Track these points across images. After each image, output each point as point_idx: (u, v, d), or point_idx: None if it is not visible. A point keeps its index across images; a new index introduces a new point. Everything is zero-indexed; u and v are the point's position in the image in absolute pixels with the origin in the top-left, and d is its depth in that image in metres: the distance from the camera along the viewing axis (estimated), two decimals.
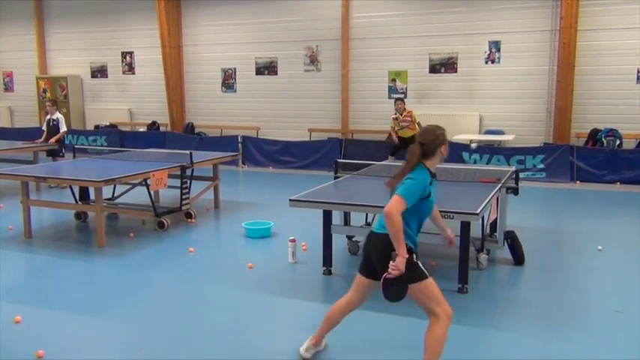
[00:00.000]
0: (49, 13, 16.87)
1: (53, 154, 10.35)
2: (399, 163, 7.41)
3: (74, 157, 8.74)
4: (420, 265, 3.46)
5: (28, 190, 7.09)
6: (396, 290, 3.35)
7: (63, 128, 10.36)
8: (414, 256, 3.45)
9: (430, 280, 3.46)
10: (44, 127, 10.58)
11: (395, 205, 3.31)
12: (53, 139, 10.24)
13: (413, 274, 3.41)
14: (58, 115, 10.43)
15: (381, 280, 3.32)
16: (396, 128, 11.16)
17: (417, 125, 10.98)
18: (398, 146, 11.14)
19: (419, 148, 3.51)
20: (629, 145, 11.39)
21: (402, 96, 13.06)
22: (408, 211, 3.39)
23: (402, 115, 11.07)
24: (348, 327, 4.38)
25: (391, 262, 3.30)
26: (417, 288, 3.41)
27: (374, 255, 3.53)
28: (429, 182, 3.48)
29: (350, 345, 4.08)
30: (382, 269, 3.36)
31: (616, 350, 3.99)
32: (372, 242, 3.55)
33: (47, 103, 10.96)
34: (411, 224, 3.49)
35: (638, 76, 11.39)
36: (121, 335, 4.27)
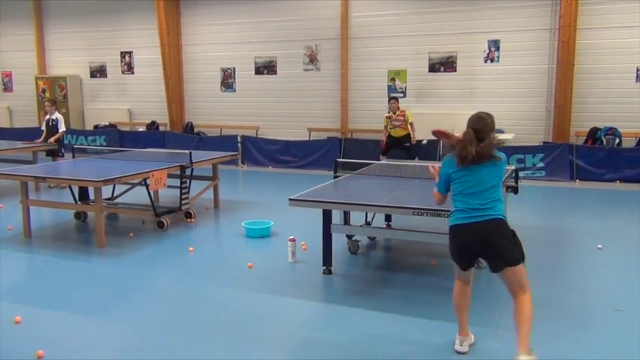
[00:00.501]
0: (48, 12, 16.86)
1: (52, 153, 10.34)
2: (401, 162, 7.42)
3: (73, 157, 8.74)
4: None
5: (27, 190, 7.09)
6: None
7: (62, 128, 10.35)
8: None
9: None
10: (43, 127, 10.57)
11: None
12: (52, 139, 10.23)
13: (522, 253, 3.79)
14: (57, 115, 10.42)
15: None
16: (388, 127, 11.16)
17: (409, 125, 11.01)
18: (389, 145, 11.17)
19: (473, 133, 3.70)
20: (628, 143, 11.39)
21: (400, 96, 13.06)
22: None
23: (394, 114, 11.06)
24: (348, 325, 4.38)
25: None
26: (522, 267, 3.74)
27: (500, 243, 3.69)
28: None
29: (352, 343, 4.08)
30: (507, 254, 3.67)
31: (617, 349, 3.99)
32: (498, 229, 3.72)
33: (46, 103, 10.95)
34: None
35: (637, 74, 11.39)
36: (120, 335, 4.27)
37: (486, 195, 3.70)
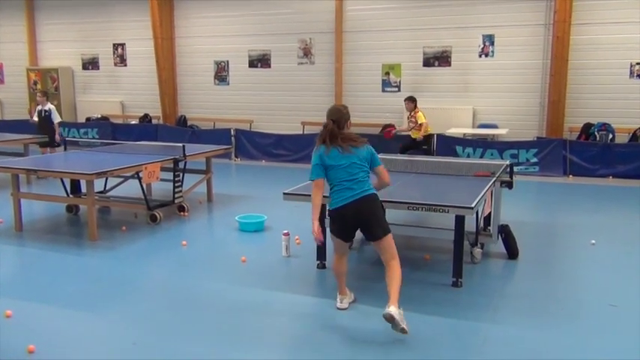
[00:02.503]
0: (39, 3, 16.70)
1: (46, 145, 10.26)
2: (448, 160, 7.38)
3: (65, 149, 8.67)
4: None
5: (18, 182, 7.02)
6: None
7: (57, 119, 10.27)
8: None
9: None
10: (35, 118, 10.48)
11: (388, 175, 4.50)
12: (57, 136, 10.14)
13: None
14: (49, 106, 10.33)
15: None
16: (410, 126, 10.69)
17: (420, 126, 10.49)
18: (406, 146, 10.69)
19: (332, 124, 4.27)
20: (621, 139, 11.43)
21: (394, 90, 13.07)
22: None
23: (410, 114, 10.62)
24: (341, 319, 4.37)
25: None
26: (391, 236, 4.25)
27: (371, 215, 4.21)
28: None
29: (345, 338, 4.07)
30: (378, 225, 4.21)
31: (611, 344, 4.00)
32: (372, 203, 4.23)
33: (38, 94, 10.86)
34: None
35: (631, 70, 11.41)
36: (113, 329, 4.24)
37: (357, 175, 4.21)
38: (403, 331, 3.88)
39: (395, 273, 4.18)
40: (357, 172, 4.19)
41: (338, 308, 4.52)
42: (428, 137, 10.70)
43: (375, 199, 4.25)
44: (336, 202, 4.23)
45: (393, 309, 3.91)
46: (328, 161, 4.22)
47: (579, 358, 3.80)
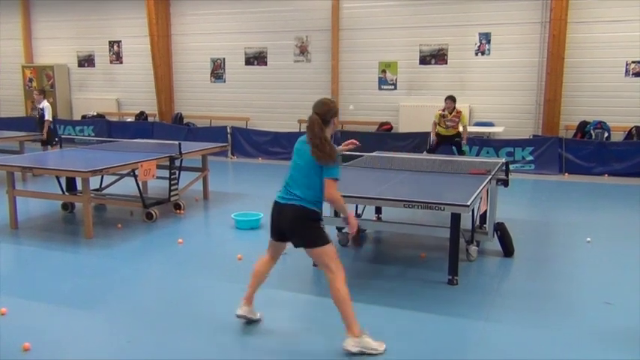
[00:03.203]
0: (35, 1, 16.63)
1: (45, 143, 10.27)
2: (444, 157, 7.38)
3: (60, 147, 8.65)
4: (325, 231, 3.91)
5: (14, 180, 7.00)
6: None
7: (47, 117, 10.25)
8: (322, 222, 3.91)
9: (332, 244, 3.89)
10: (37, 115, 10.52)
11: (334, 189, 3.80)
12: (44, 134, 10.13)
13: (325, 236, 3.86)
14: (44, 104, 10.31)
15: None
16: (440, 125, 10.39)
17: (462, 128, 10.30)
18: (437, 144, 10.50)
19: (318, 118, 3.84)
20: (617, 137, 11.47)
21: (391, 88, 13.08)
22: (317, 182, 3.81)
23: (450, 114, 10.27)
24: (337, 317, 4.37)
25: (349, 227, 4.00)
26: (322, 250, 3.82)
27: (292, 225, 3.86)
28: None
29: (341, 336, 4.07)
30: (297, 235, 3.86)
31: (606, 342, 4.01)
32: (290, 214, 3.84)
33: (35, 92, 10.85)
34: (322, 193, 3.85)
35: (626, 68, 11.44)
36: (108, 327, 4.23)
37: (297, 179, 3.87)
38: (376, 351, 3.71)
39: (333, 295, 3.80)
40: (298, 177, 3.86)
41: (237, 315, 4.17)
42: (458, 134, 10.46)
43: (300, 214, 3.81)
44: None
45: (347, 342, 3.72)
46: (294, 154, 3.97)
47: (574, 356, 3.81)
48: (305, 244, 3.87)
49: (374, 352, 3.71)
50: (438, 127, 10.41)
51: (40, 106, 10.27)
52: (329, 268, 3.82)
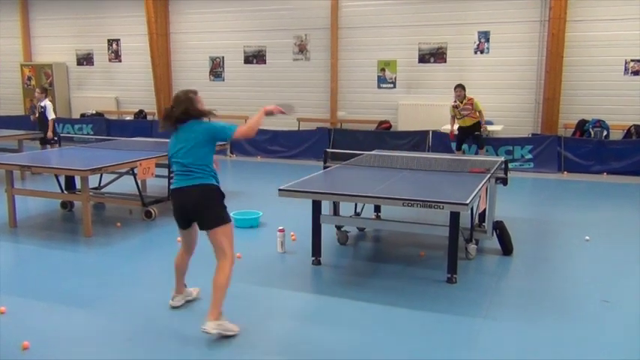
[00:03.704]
0: None
1: (44, 142, 10.25)
2: (442, 156, 7.38)
3: (59, 145, 8.64)
4: (227, 210, 4.04)
5: (12, 178, 6.99)
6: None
7: (51, 116, 10.23)
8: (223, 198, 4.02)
9: (232, 224, 4.03)
10: (36, 112, 10.49)
11: (245, 130, 4.19)
12: (49, 132, 10.11)
13: (227, 215, 4.03)
14: (45, 103, 10.29)
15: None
16: (456, 117, 10.47)
17: (478, 113, 10.33)
18: (460, 138, 10.54)
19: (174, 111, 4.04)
20: (616, 136, 11.47)
21: (390, 86, 13.08)
22: (211, 153, 4.06)
23: (462, 102, 10.33)
24: (336, 316, 4.38)
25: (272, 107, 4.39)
26: (223, 229, 3.97)
27: (197, 206, 3.98)
28: None
29: (341, 334, 4.08)
30: (204, 217, 3.97)
31: (603, 338, 4.02)
32: (194, 194, 3.97)
33: (36, 90, 10.85)
34: (212, 164, 4.08)
35: (625, 67, 11.45)
36: (108, 326, 4.23)
37: (186, 164, 4.00)
38: (228, 336, 3.92)
39: (218, 277, 3.95)
40: (190, 160, 4.00)
41: (171, 306, 4.46)
42: (477, 123, 10.51)
43: (201, 192, 3.99)
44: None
45: (208, 325, 3.86)
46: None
47: (572, 354, 3.82)
48: (211, 222, 3.97)
49: (231, 332, 3.94)
50: (458, 120, 10.42)
51: (42, 104, 10.24)
52: (225, 254, 3.98)
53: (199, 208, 4.00)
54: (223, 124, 4.10)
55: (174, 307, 4.45)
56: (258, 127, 4.22)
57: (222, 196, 4.08)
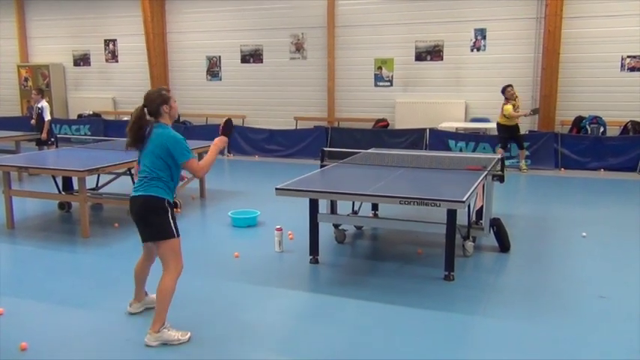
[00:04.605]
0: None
1: (41, 142, 10.24)
2: (439, 154, 7.39)
3: (56, 146, 8.63)
4: (174, 225, 3.88)
5: (10, 180, 6.99)
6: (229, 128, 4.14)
7: (47, 117, 10.21)
8: (170, 211, 3.88)
9: (178, 240, 3.92)
10: (34, 114, 10.49)
11: (196, 165, 3.91)
12: (44, 134, 10.09)
13: (169, 230, 3.85)
14: (42, 104, 10.29)
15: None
16: (513, 114, 10.39)
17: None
18: (505, 138, 10.56)
19: (141, 110, 3.90)
20: (612, 132, 11.50)
21: (387, 84, 13.10)
22: (174, 168, 3.85)
23: (515, 100, 10.41)
24: (334, 314, 4.38)
25: (219, 140, 4.06)
26: (165, 244, 3.86)
27: (137, 217, 3.94)
28: None
29: (338, 333, 4.09)
30: (146, 228, 3.90)
31: (601, 334, 4.03)
32: (135, 206, 3.93)
33: (33, 92, 10.84)
34: (175, 178, 3.92)
35: (622, 63, 11.47)
36: (106, 326, 4.23)
37: (142, 171, 3.88)
38: (179, 341, 3.85)
39: (159, 286, 3.87)
40: (143, 169, 3.88)
41: (129, 312, 4.34)
42: (516, 125, 10.61)
43: (140, 204, 3.87)
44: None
45: (147, 338, 3.83)
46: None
47: (570, 350, 3.83)
48: (150, 236, 3.93)
49: (177, 342, 3.84)
50: (504, 119, 10.45)
51: (39, 106, 10.23)
52: (168, 267, 3.89)
53: (138, 219, 3.94)
54: (184, 146, 3.84)
55: (131, 314, 4.32)
56: (212, 162, 4.01)
57: (165, 209, 3.86)
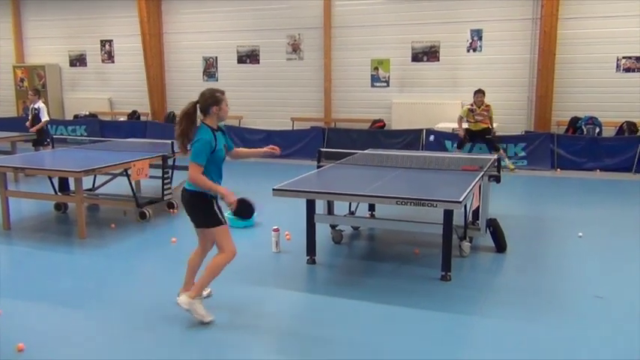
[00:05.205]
0: (25, 0, 16.54)
1: (37, 143, 10.21)
2: (435, 154, 7.41)
3: (53, 147, 8.62)
4: (219, 213, 4.20)
5: (6, 180, 6.97)
6: (242, 210, 4.27)
7: (44, 117, 10.19)
8: (215, 203, 4.18)
9: (225, 227, 4.23)
10: (29, 115, 10.47)
11: (192, 171, 4.07)
12: (34, 129, 10.08)
13: (215, 219, 4.16)
14: (39, 104, 10.27)
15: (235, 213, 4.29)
16: (466, 119, 10.51)
17: (489, 120, 10.50)
18: (464, 139, 10.62)
19: (193, 106, 4.19)
20: (608, 132, 11.53)
21: (383, 85, 13.12)
22: (206, 166, 4.09)
23: (479, 108, 10.43)
24: (331, 315, 4.39)
25: (226, 202, 4.16)
26: (214, 231, 4.17)
27: (186, 208, 4.26)
28: (214, 137, 4.14)
29: (335, 333, 4.09)
30: (193, 218, 4.23)
31: (597, 334, 4.05)
32: (182, 198, 4.25)
33: (29, 92, 10.81)
34: (212, 175, 4.17)
35: (617, 64, 11.51)
36: (103, 327, 4.23)
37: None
38: (201, 322, 4.12)
39: (211, 260, 4.21)
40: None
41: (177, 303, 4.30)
42: (487, 128, 10.61)
43: (186, 197, 4.19)
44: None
45: (181, 298, 4.15)
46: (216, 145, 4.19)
47: (567, 349, 3.84)
48: (198, 223, 4.25)
49: (200, 318, 4.12)
50: (467, 123, 10.52)
51: (35, 106, 10.22)
52: (222, 248, 4.21)
53: (187, 210, 4.26)
54: (199, 150, 4.07)
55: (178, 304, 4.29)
56: (206, 189, 4.14)
57: (207, 202, 4.15)
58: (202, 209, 4.16)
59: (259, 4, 13.95)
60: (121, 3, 15.19)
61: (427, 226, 5.53)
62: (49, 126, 10.50)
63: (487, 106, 10.49)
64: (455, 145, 10.96)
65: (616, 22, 11.30)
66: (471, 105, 10.50)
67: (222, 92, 4.21)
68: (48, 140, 10.18)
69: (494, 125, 10.76)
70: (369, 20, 13.08)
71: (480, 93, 10.41)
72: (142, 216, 7.20)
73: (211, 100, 4.13)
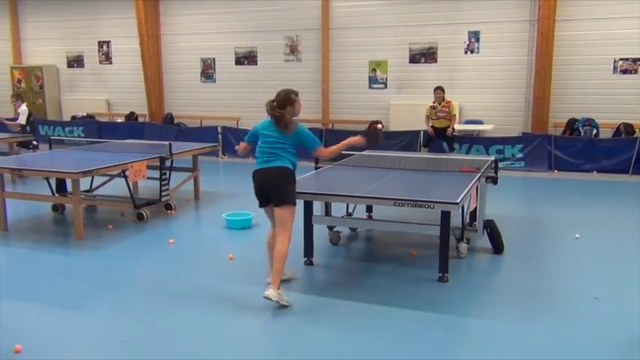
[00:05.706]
0: (23, 1, 16.52)
1: (22, 146, 10.36)
2: (433, 155, 7.43)
3: (50, 148, 8.61)
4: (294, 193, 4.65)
5: (3, 182, 6.96)
6: (373, 139, 4.56)
7: (20, 121, 10.64)
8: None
9: (295, 207, 4.66)
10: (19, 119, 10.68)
11: (322, 150, 5.11)
12: (13, 123, 10.45)
13: (294, 195, 4.66)
14: (21, 108, 10.70)
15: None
16: (431, 117, 10.74)
17: (452, 117, 10.70)
18: (431, 137, 10.84)
19: (270, 103, 4.75)
20: (605, 134, 11.56)
21: (381, 87, 13.14)
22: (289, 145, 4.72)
23: (440, 104, 10.63)
24: (329, 316, 4.39)
25: (355, 140, 5.19)
26: (290, 209, 4.61)
27: (276, 185, 4.63)
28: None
29: (333, 335, 4.09)
30: (281, 195, 4.60)
31: (595, 336, 4.05)
32: (277, 175, 4.64)
33: (12, 98, 11.16)
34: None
35: (614, 66, 11.54)
36: (101, 328, 4.22)
37: (274, 149, 4.72)
38: (284, 306, 4.46)
39: (277, 249, 4.52)
40: (274, 148, 4.68)
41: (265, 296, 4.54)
42: (447, 127, 10.76)
43: (286, 173, 4.64)
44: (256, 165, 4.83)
45: (270, 292, 4.42)
46: (260, 130, 4.82)
47: (565, 350, 3.85)
48: (282, 200, 4.57)
49: (286, 303, 4.47)
50: (432, 120, 10.72)
51: (19, 110, 10.55)
52: (285, 230, 4.56)
53: (279, 186, 4.62)
54: (311, 135, 4.89)
55: (266, 298, 4.47)
56: (338, 152, 5.14)
57: (295, 179, 4.72)
58: (293, 186, 4.67)
59: (257, 5, 13.96)
60: (119, 4, 15.19)
61: (424, 227, 5.54)
62: (37, 127, 10.69)
63: (448, 102, 10.72)
64: (422, 145, 11.21)
65: (613, 24, 11.34)
66: (433, 102, 10.75)
67: (297, 93, 4.81)
68: (33, 143, 10.31)
69: (454, 122, 10.89)
70: (366, 22, 13.10)
71: (439, 90, 10.67)
72: (140, 217, 7.20)
73: (285, 101, 4.71)
